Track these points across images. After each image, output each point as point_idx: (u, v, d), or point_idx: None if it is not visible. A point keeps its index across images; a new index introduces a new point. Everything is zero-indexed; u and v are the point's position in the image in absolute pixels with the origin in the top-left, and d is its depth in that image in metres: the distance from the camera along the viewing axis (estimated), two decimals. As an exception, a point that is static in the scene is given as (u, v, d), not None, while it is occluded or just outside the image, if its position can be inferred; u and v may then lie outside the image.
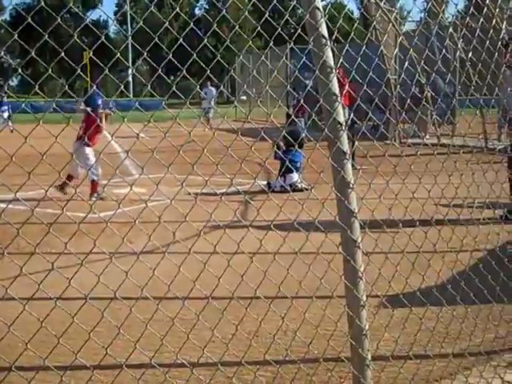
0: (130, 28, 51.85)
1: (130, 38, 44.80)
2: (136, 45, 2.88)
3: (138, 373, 2.56)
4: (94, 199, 8.60)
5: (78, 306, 2.30)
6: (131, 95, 33.63)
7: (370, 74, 2.97)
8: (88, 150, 9.57)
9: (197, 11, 77.90)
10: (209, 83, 25.42)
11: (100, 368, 2.52)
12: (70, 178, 9.04)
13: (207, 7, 74.35)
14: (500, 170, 3.63)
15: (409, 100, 3.37)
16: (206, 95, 25.57)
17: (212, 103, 25.95)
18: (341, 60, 2.84)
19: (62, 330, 2.30)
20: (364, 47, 3.00)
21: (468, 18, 3.45)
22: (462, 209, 3.34)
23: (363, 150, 3.01)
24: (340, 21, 2.82)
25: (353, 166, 2.68)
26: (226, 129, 3.24)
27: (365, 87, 2.99)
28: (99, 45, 2.30)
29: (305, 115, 19.13)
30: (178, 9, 2.94)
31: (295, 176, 10.12)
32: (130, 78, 39.62)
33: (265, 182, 9.92)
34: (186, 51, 2.61)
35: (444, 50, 10.19)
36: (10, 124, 22.19)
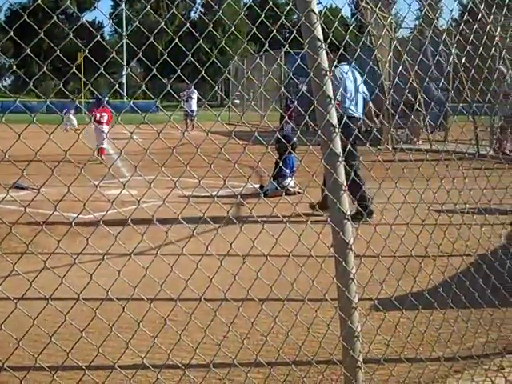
0: (125, 29, 51.86)
1: (125, 39, 44.76)
2: (132, 44, 2.88)
3: (130, 373, 2.56)
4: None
5: (70, 305, 2.30)
6: (125, 97, 33.59)
7: (364, 76, 2.98)
8: (105, 127, 14.41)
9: (192, 14, 78.05)
10: (192, 86, 25.50)
11: (92, 368, 2.51)
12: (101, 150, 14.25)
13: (203, 10, 74.49)
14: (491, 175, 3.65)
15: (402, 105, 3.39)
16: (189, 98, 25.75)
17: (194, 105, 26.06)
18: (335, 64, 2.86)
19: (54, 329, 2.30)
20: (359, 52, 3.02)
21: (462, 25, 3.47)
22: (453, 213, 3.36)
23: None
24: (335, 25, 2.84)
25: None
26: (217, 131, 3.24)
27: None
28: (93, 46, 2.30)
29: (292, 120, 19.29)
30: (174, 10, 2.94)
31: (289, 180, 10.14)
32: (124, 80, 39.60)
33: (257, 185, 9.92)
34: (180, 54, 2.62)
35: (438, 56, 10.24)
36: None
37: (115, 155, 13.71)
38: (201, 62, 2.51)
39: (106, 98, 14.81)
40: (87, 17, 67.64)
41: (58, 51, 1.93)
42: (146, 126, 2.51)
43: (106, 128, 14.22)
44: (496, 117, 14.35)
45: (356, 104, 8.07)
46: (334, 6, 3.29)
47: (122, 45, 42.63)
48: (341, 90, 7.76)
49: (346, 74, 7.70)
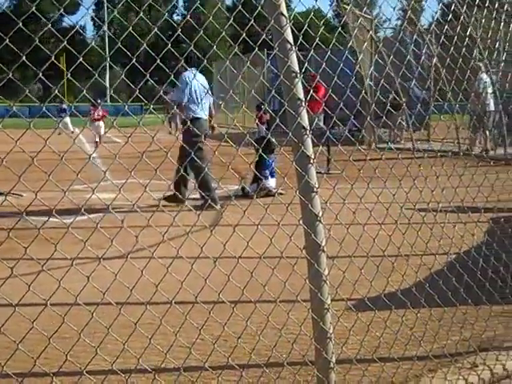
0: (107, 32, 51.66)
1: (107, 42, 44.64)
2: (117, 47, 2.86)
3: (100, 379, 2.55)
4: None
5: (38, 312, 2.29)
6: (108, 100, 33.41)
7: (335, 80, 2.99)
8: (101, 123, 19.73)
9: (175, 17, 77.90)
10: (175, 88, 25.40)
11: (60, 374, 2.50)
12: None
13: (185, 13, 74.40)
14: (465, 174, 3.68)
15: (388, 105, 3.41)
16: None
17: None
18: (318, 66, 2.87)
19: (22, 336, 2.28)
20: (341, 53, 3.04)
21: (444, 26, 3.50)
22: (426, 212, 3.38)
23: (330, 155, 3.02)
24: (321, 29, 2.85)
25: (329, 170, 2.75)
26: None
27: (337, 92, 3.02)
28: (75, 50, 2.29)
29: (264, 123, 19.81)
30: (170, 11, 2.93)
31: (271, 182, 10.15)
32: (108, 83, 39.44)
33: (238, 187, 9.90)
34: (162, 57, 2.60)
35: (420, 56, 10.30)
36: None
37: (98, 159, 13.65)
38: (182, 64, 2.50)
39: (99, 101, 20.85)
40: (68, 21, 67.29)
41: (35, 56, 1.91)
42: (129, 129, 2.51)
43: (101, 123, 19.61)
44: (466, 116, 14.53)
45: (202, 107, 8.98)
46: (316, 7, 3.28)
47: (104, 48, 42.48)
48: (186, 92, 8.85)
49: (194, 77, 8.68)
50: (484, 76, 13.59)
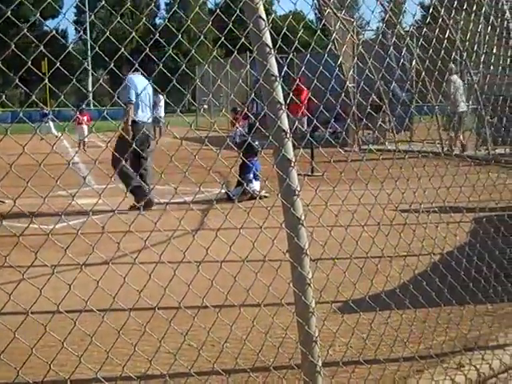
0: (89, 37, 51.47)
1: (90, 46, 44.44)
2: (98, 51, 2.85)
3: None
4: None
5: (19, 321, 2.26)
6: (91, 105, 33.27)
7: (315, 83, 2.99)
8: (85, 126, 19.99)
9: (157, 21, 77.73)
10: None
11: (44, 384, 2.48)
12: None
13: (168, 16, 74.23)
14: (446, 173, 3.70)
15: (369, 108, 3.41)
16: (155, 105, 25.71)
17: (162, 112, 26.02)
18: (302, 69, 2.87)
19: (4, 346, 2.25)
20: (324, 56, 3.03)
21: (424, 28, 3.52)
22: (408, 214, 3.39)
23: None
24: (300, 31, 2.85)
25: (312, 172, 2.73)
26: (187, 138, 3.23)
27: (322, 95, 3.02)
28: (57, 54, 2.27)
29: (240, 125, 20.16)
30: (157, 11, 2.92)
31: (255, 185, 10.14)
32: (90, 87, 39.28)
33: (223, 191, 9.88)
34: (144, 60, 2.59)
35: (401, 59, 10.37)
36: None
37: (81, 164, 13.57)
38: (167, 67, 2.49)
39: (84, 106, 21.92)
40: (50, 25, 66.81)
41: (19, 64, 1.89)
42: (113, 133, 2.49)
43: (85, 127, 20.28)
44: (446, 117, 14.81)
45: (146, 111, 9.30)
46: (297, 9, 3.28)
47: (86, 52, 42.29)
48: (131, 95, 9.05)
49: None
50: (454, 77, 13.88)
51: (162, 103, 26.02)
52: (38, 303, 2.21)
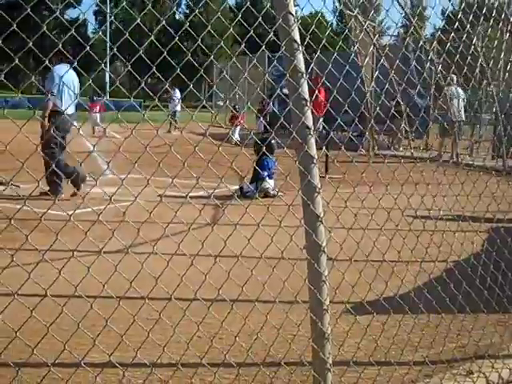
0: (108, 28, 51.55)
1: (109, 38, 44.56)
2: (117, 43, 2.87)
3: (97, 371, 2.54)
4: None
5: (37, 302, 2.28)
6: (107, 95, 33.42)
7: (341, 82, 2.99)
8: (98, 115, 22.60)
9: (178, 15, 77.90)
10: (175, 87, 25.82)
11: (57, 365, 2.49)
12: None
13: (187, 12, 74.38)
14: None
15: (392, 111, 3.41)
16: (171, 100, 25.93)
17: (178, 106, 26.16)
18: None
19: (20, 325, 2.28)
20: (346, 57, 3.03)
21: (446, 35, 3.51)
22: (427, 219, 3.38)
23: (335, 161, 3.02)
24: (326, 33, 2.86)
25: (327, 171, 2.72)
26: (199, 133, 3.24)
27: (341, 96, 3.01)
28: (78, 43, 2.28)
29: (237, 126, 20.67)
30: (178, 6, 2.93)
31: (269, 182, 10.14)
32: (107, 79, 39.37)
33: (237, 187, 9.91)
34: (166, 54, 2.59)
35: (423, 64, 10.32)
36: None
37: (96, 154, 13.64)
38: (186, 62, 2.49)
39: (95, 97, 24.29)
40: (72, 14, 67.10)
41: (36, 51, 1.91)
42: (129, 125, 2.50)
43: (97, 115, 22.99)
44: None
45: (67, 101, 9.28)
46: (317, 10, 3.28)
47: (105, 43, 42.36)
48: (57, 84, 9.15)
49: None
50: (452, 88, 14.54)
51: (178, 96, 26.17)
52: (54, 285, 2.22)
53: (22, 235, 2.08)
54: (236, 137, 20.12)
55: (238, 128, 21.39)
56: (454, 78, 13.54)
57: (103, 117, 24.33)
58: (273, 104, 21.79)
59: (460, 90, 14.98)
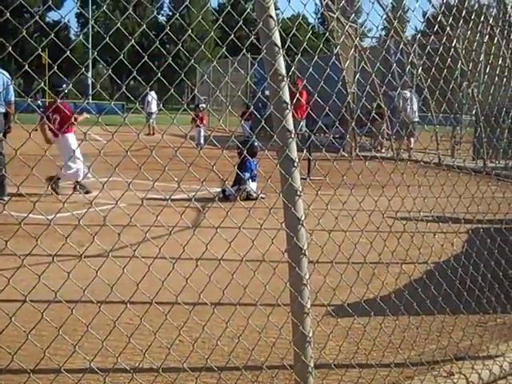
0: (91, 31, 51.27)
1: (91, 40, 44.30)
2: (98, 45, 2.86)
3: (77, 377, 2.52)
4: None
5: (17, 307, 2.26)
6: (90, 98, 33.17)
7: (322, 85, 3.00)
8: None
9: (160, 18, 77.67)
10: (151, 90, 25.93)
11: (37, 372, 2.47)
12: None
13: (170, 14, 74.22)
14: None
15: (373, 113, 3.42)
16: (149, 101, 25.97)
17: (154, 108, 26.13)
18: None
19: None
20: (327, 60, 3.04)
21: (427, 38, 3.53)
22: (407, 221, 3.40)
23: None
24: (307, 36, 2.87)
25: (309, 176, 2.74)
26: (179, 135, 3.22)
27: (322, 100, 3.02)
28: (59, 46, 2.26)
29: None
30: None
31: (251, 185, 10.14)
32: (90, 81, 39.13)
33: (219, 189, 9.90)
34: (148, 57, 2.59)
35: (404, 66, 10.37)
36: None
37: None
38: (169, 65, 2.49)
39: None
40: (53, 16, 66.61)
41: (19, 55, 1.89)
42: (111, 128, 2.49)
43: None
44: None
45: None
46: (302, 13, 3.28)
47: (87, 46, 42.13)
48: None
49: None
50: (405, 92, 15.39)
51: (152, 97, 26.15)
52: (34, 291, 2.20)
53: (1, 240, 2.07)
54: (201, 141, 19.06)
55: (202, 131, 19.73)
56: (407, 80, 13.98)
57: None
58: (258, 106, 21.74)
59: (414, 93, 15.98)
